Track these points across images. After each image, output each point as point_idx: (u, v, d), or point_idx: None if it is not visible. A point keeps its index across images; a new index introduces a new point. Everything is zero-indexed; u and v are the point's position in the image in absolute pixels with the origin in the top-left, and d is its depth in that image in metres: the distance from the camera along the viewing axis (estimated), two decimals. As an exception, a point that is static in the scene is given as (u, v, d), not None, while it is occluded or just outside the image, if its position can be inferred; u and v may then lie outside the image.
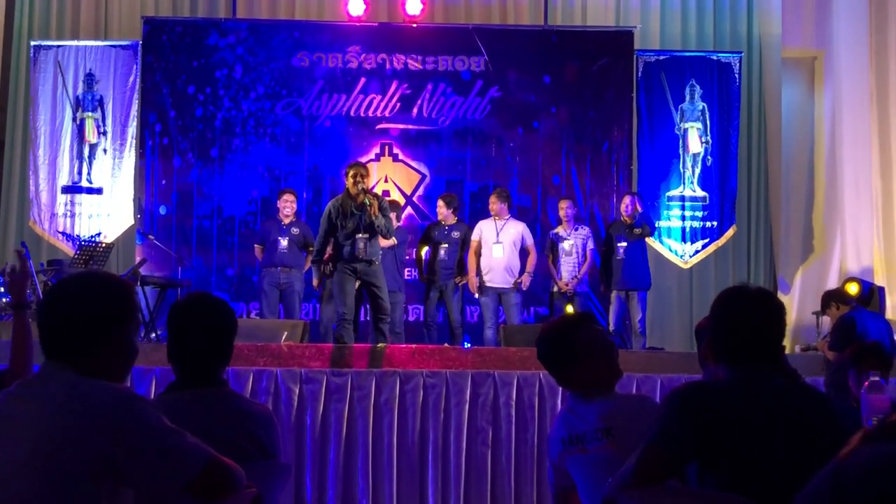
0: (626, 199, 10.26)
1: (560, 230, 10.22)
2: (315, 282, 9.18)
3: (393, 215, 9.51)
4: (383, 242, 9.07)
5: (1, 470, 2.23)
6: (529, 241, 9.96)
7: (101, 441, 2.23)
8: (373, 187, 10.93)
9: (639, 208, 10.16)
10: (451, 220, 10.10)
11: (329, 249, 8.58)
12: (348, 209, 8.36)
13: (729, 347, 2.82)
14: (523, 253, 9.95)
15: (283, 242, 9.88)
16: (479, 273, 9.83)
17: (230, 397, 3.16)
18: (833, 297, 8.43)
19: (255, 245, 10.27)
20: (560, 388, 7.40)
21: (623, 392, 3.52)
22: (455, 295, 9.99)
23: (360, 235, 8.32)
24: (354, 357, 7.80)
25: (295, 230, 9.98)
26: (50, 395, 2.27)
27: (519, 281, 9.81)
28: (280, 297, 9.91)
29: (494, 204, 9.99)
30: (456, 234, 10.00)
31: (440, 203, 10.20)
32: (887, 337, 7.53)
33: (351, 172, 8.44)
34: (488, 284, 9.82)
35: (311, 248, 9.95)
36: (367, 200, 8.30)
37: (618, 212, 10.70)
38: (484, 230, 9.94)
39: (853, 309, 7.93)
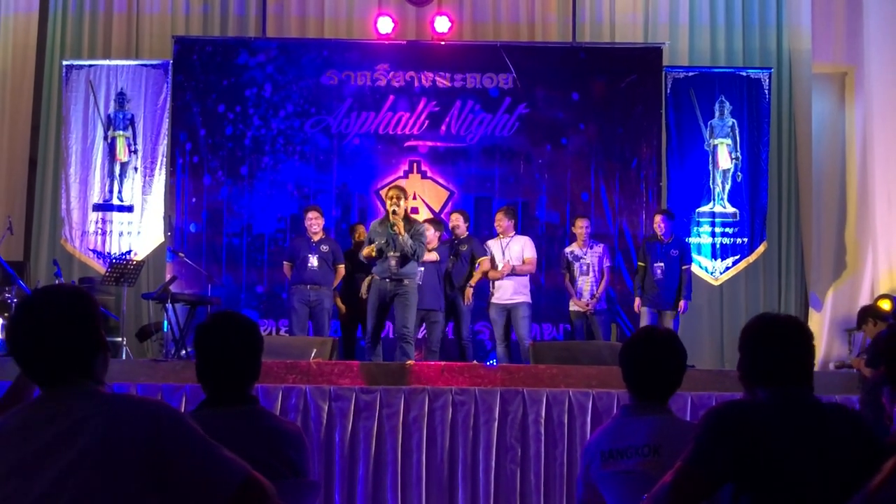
0: (658, 218, 10.20)
1: (575, 248, 10.21)
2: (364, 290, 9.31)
3: (436, 234, 9.63)
4: (426, 258, 9.26)
5: (44, 492, 2.20)
6: (527, 254, 9.95)
7: (146, 455, 2.22)
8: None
9: (672, 237, 10.10)
10: (464, 234, 10.13)
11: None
12: (385, 228, 8.70)
13: (764, 370, 2.81)
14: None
15: (313, 260, 9.89)
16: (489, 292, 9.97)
17: (261, 415, 3.17)
18: (870, 313, 8.33)
19: (284, 262, 10.29)
20: (590, 406, 7.37)
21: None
22: (465, 309, 9.97)
23: (392, 254, 8.61)
24: (383, 374, 7.79)
25: (324, 247, 10.00)
26: (83, 411, 2.26)
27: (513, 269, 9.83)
28: (310, 314, 9.92)
29: (502, 221, 10.04)
30: (464, 248, 10.02)
31: (459, 217, 10.18)
32: None
33: (389, 194, 8.80)
34: (497, 302, 9.87)
35: (340, 265, 10.04)
36: (391, 223, 8.60)
37: (650, 228, 10.64)
38: (491, 250, 10.03)
39: (890, 325, 7.81)
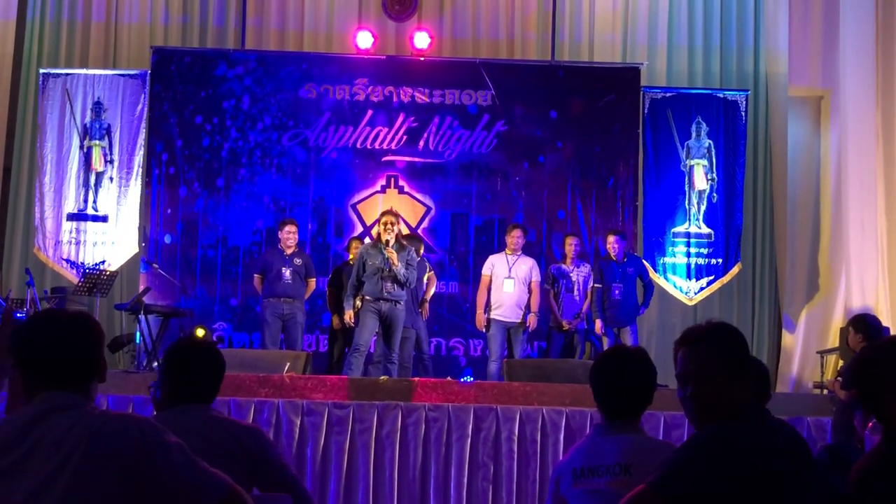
0: (611, 238, 10.20)
1: (564, 266, 10.20)
2: (348, 315, 9.12)
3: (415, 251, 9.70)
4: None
5: (27, 495, 2.22)
6: (536, 277, 9.90)
7: (128, 468, 2.24)
8: (377, 219, 10.96)
9: (624, 254, 10.13)
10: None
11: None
12: (377, 251, 8.75)
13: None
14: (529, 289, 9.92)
15: (287, 273, 9.86)
16: (488, 307, 9.82)
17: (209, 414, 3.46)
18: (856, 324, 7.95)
19: (255, 275, 10.24)
20: (563, 424, 7.37)
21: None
22: (424, 325, 9.99)
23: (387, 275, 8.68)
24: (356, 389, 7.76)
25: (298, 261, 9.97)
26: (69, 424, 2.28)
27: (526, 324, 9.79)
28: (282, 327, 9.88)
29: (520, 239, 9.93)
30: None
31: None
32: None
33: (382, 220, 8.87)
34: (498, 318, 9.78)
35: (311, 279, 10.02)
36: (386, 255, 8.66)
37: (606, 251, 10.59)
38: (496, 265, 9.90)
39: (862, 349, 7.68)
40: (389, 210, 9.34)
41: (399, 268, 8.61)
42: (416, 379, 8.29)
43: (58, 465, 2.22)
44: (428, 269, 10.08)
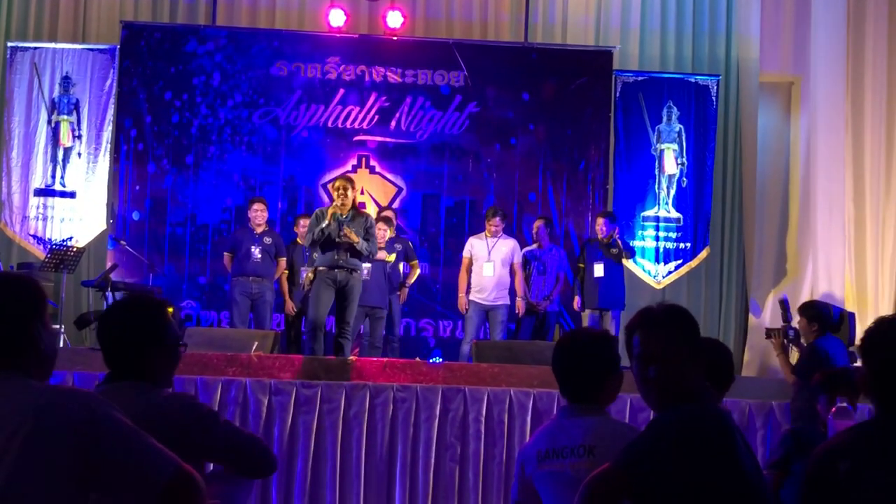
0: (600, 221, 10.27)
1: (535, 248, 10.22)
2: (306, 279, 8.96)
3: (386, 230, 9.59)
4: (379, 255, 9.22)
5: None
6: (518, 259, 9.94)
7: (76, 445, 2.20)
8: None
9: (615, 234, 10.17)
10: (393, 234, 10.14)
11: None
12: (333, 216, 8.40)
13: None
14: (512, 271, 9.95)
15: (256, 252, 9.83)
16: (468, 289, 9.84)
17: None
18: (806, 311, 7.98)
19: (225, 253, 10.20)
20: (531, 406, 7.40)
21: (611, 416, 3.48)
22: (398, 309, 10.03)
23: (339, 240, 8.40)
24: (324, 369, 7.74)
25: (267, 239, 9.94)
26: (13, 402, 2.23)
27: (515, 310, 9.84)
28: (251, 306, 9.85)
29: (499, 226, 9.96)
30: (399, 247, 10.02)
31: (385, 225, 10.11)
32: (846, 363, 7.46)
33: (336, 185, 8.56)
34: (477, 301, 9.81)
35: (282, 259, 9.98)
36: (345, 236, 8.36)
37: (592, 231, 10.71)
38: (475, 247, 9.94)
39: (821, 336, 7.68)
40: (343, 175, 9.20)
41: (360, 244, 8.37)
42: (385, 359, 8.29)
43: (2, 445, 2.18)
44: (414, 257, 10.11)
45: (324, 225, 8.36)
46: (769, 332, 8.20)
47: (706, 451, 2.68)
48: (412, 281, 10.22)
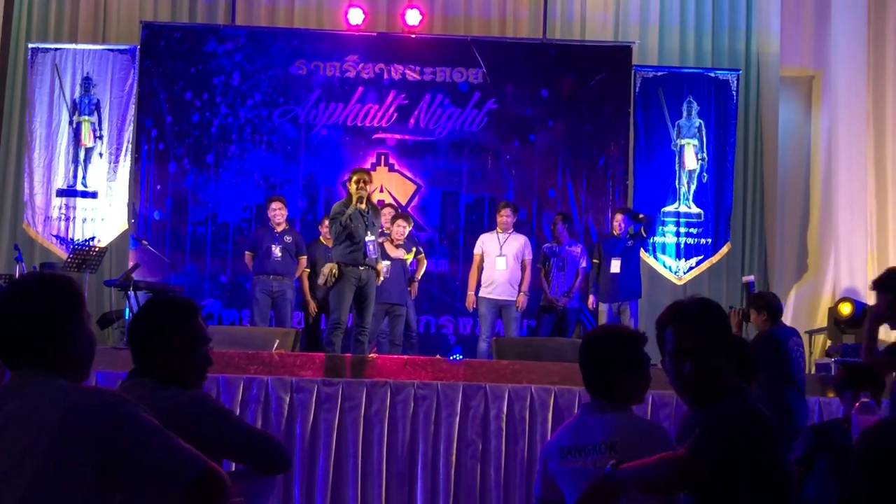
0: (619, 217, 10.24)
1: (555, 245, 10.20)
2: (327, 269, 8.94)
3: (406, 228, 9.58)
4: (394, 253, 9.21)
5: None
6: (528, 255, 9.93)
7: (102, 445, 2.21)
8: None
9: (632, 230, 10.14)
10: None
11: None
12: (354, 212, 8.37)
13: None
14: (522, 267, 9.93)
15: (277, 250, 9.85)
16: (479, 286, 9.82)
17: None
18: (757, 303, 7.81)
19: (246, 252, 10.23)
20: (552, 403, 7.39)
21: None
22: (412, 304, 10.02)
23: (369, 238, 8.39)
24: (345, 367, 7.76)
25: (288, 238, 9.97)
26: (40, 402, 2.24)
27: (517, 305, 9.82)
28: (272, 304, 9.88)
29: (510, 217, 9.93)
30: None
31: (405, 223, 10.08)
32: (801, 352, 7.35)
33: (354, 178, 8.47)
34: (490, 297, 9.78)
35: (302, 257, 9.98)
36: (368, 230, 8.35)
37: (611, 227, 10.68)
38: (486, 243, 9.92)
39: (773, 325, 7.46)
40: (361, 167, 9.17)
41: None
42: (406, 357, 8.30)
43: (28, 445, 2.18)
44: (419, 251, 10.08)
45: (350, 211, 8.32)
46: (730, 308, 7.94)
47: (761, 446, 2.68)
48: (420, 274, 10.15)
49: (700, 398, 2.79)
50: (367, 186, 8.49)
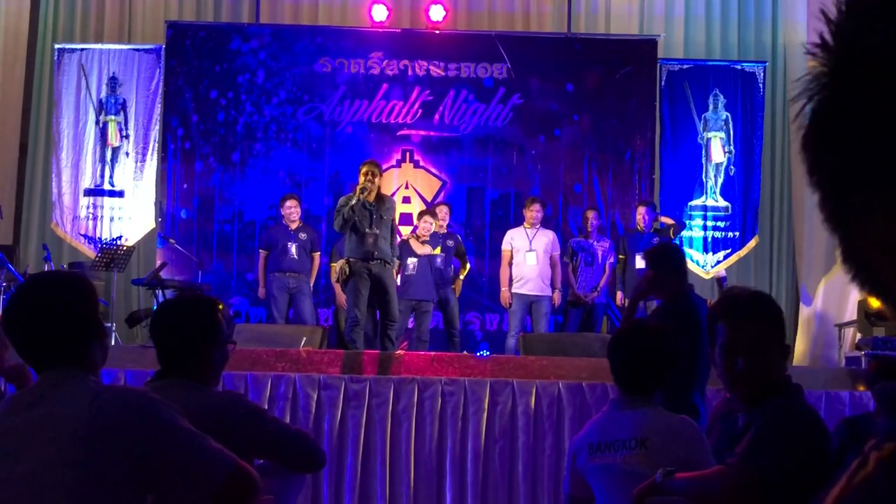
0: (641, 210, 10.20)
1: (583, 240, 10.16)
2: (339, 266, 8.94)
3: (432, 223, 9.57)
4: (420, 250, 9.19)
5: (23, 480, 2.18)
6: (557, 251, 9.91)
7: (132, 446, 2.21)
8: (393, 193, 10.96)
9: (659, 219, 10.10)
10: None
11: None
12: (362, 205, 8.33)
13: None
14: (552, 263, 9.90)
15: (292, 248, 9.86)
16: (509, 282, 9.80)
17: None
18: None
19: (260, 251, 10.21)
20: (580, 398, 7.37)
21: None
22: (455, 302, 9.99)
23: (369, 231, 8.34)
24: (371, 363, 7.76)
25: (303, 235, 9.97)
26: (71, 401, 2.24)
27: (553, 302, 9.79)
28: (290, 301, 9.88)
29: (539, 212, 9.89)
30: (451, 243, 9.99)
31: (447, 212, 10.12)
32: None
33: (363, 169, 8.45)
34: (520, 292, 9.74)
35: (316, 253, 9.98)
36: (373, 222, 8.31)
37: (635, 221, 10.62)
38: (515, 238, 9.87)
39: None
40: (371, 159, 9.08)
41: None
42: (433, 353, 8.29)
43: (61, 446, 2.18)
44: (464, 253, 10.11)
45: (353, 202, 8.27)
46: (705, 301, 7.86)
47: (818, 447, 2.63)
48: (464, 273, 10.16)
49: (751, 394, 2.72)
50: (376, 179, 8.44)
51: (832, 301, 11.39)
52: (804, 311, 11.45)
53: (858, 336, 10.55)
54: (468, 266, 10.25)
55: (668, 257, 5.63)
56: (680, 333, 4.60)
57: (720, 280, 10.00)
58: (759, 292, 2.87)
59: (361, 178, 8.41)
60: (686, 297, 5.41)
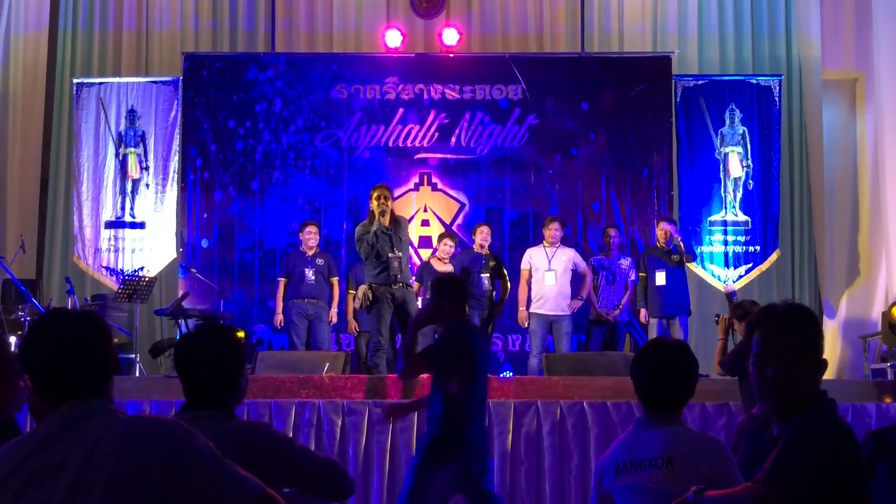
0: (661, 226, 10.19)
1: (604, 257, 10.15)
2: (361, 292, 9.01)
3: (453, 246, 9.64)
4: (442, 269, 9.20)
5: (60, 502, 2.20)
6: (582, 265, 9.88)
7: (161, 475, 2.22)
8: (412, 217, 10.99)
9: (677, 237, 10.06)
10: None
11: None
12: (378, 230, 8.45)
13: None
14: (575, 279, 9.86)
15: (310, 274, 9.86)
16: (528, 302, 9.78)
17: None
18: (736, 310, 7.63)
19: (279, 279, 10.20)
20: (604, 418, 7.34)
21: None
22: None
23: (393, 255, 8.43)
24: (395, 387, 7.76)
25: (320, 261, 9.98)
26: (99, 430, 2.26)
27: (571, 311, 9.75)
28: (308, 327, 9.88)
29: (558, 231, 9.90)
30: (493, 264, 9.97)
31: (487, 231, 10.12)
32: None
33: (375, 194, 8.56)
34: (540, 312, 9.72)
35: (334, 279, 9.98)
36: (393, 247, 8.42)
37: (656, 238, 10.60)
38: (534, 258, 9.86)
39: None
40: (381, 183, 9.16)
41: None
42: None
43: (91, 476, 2.19)
44: (504, 277, 10.06)
45: (374, 228, 8.42)
46: (717, 316, 7.81)
47: (846, 461, 2.62)
48: (505, 296, 10.08)
49: (780, 406, 2.70)
50: (389, 202, 8.56)
51: (856, 313, 11.32)
52: (828, 324, 11.38)
53: (884, 347, 10.47)
54: (509, 286, 10.15)
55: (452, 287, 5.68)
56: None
57: (730, 295, 9.95)
58: (797, 305, 2.86)
59: (374, 203, 8.48)
60: (462, 327, 5.54)
